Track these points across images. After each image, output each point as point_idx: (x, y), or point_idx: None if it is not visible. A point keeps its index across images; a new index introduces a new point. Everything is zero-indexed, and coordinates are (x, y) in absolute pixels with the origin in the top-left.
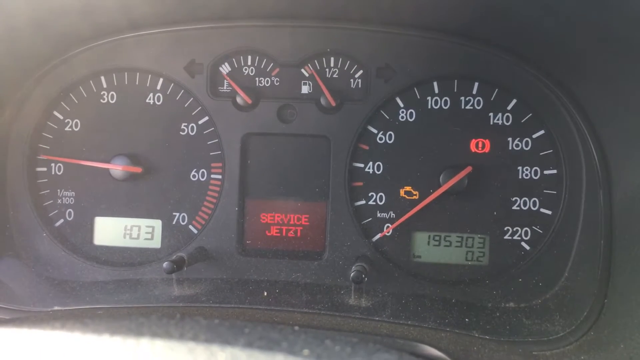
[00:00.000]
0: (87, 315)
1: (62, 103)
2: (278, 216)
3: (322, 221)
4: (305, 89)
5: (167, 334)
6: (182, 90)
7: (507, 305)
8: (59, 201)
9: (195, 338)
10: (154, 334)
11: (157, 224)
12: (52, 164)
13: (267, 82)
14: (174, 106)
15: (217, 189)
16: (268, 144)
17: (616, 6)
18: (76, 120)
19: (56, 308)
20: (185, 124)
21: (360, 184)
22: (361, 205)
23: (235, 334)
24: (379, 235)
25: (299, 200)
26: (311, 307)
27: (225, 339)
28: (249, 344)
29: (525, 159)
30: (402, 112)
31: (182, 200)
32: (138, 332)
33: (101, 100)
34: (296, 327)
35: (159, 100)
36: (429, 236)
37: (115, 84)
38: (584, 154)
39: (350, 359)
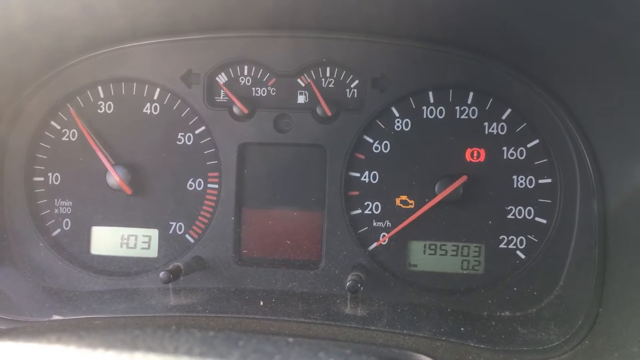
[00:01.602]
0: (83, 327)
1: (59, 113)
2: (274, 225)
3: (318, 230)
4: (301, 99)
5: (161, 347)
6: (179, 100)
7: (503, 314)
8: (56, 211)
9: (189, 352)
10: (149, 348)
11: (154, 233)
12: (49, 174)
13: (264, 92)
14: (170, 116)
15: (214, 198)
16: (264, 154)
17: (613, 13)
18: (73, 130)
19: (55, 318)
20: (182, 133)
21: (356, 193)
22: (357, 214)
23: (229, 347)
24: (374, 245)
25: (295, 210)
26: (307, 316)
27: (219, 352)
28: (243, 357)
29: (520, 168)
30: (398, 121)
31: (178, 209)
32: (133, 345)
33: (98, 110)
34: (290, 339)
35: (155, 110)
36: (425, 245)
37: (113, 94)
38: (578, 163)
39: None
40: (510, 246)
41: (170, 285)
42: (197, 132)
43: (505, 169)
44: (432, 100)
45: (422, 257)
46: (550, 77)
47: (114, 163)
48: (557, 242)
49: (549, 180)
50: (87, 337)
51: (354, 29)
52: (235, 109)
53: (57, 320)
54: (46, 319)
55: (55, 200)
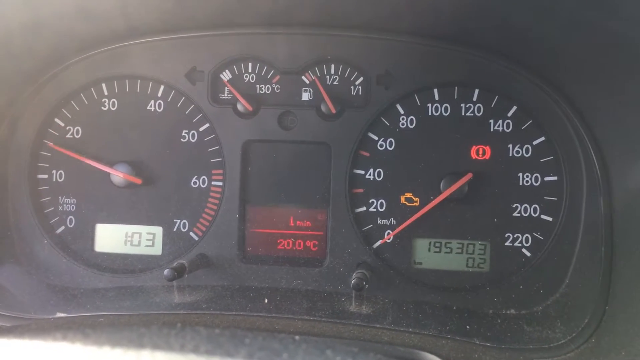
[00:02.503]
0: (88, 325)
1: (63, 110)
2: (279, 223)
3: (323, 228)
4: (305, 96)
5: (167, 345)
6: (183, 98)
7: (508, 312)
8: (60, 208)
9: (196, 349)
10: (155, 346)
11: (158, 230)
12: (54, 171)
13: (268, 89)
14: (175, 113)
15: (218, 195)
16: (269, 151)
17: (614, 8)
18: (77, 127)
19: (59, 315)
20: (186, 131)
21: (361, 190)
22: (362, 211)
23: (236, 344)
24: (379, 242)
25: (300, 207)
26: (312, 314)
27: (226, 350)
28: (250, 355)
29: (525, 166)
30: (403, 118)
31: (183, 207)
32: (139, 343)
33: (102, 108)
34: (297, 337)
35: (160, 108)
36: (430, 243)
37: (117, 91)
38: (584, 161)
39: None
40: (516, 244)
41: (174, 282)
42: (201, 129)
43: (511, 167)
44: (437, 98)
45: (427, 254)
46: (555, 74)
47: (111, 164)
48: (563, 240)
49: (555, 178)
50: (92, 335)
51: (359, 26)
52: (239, 106)
53: (62, 317)
54: (50, 317)
55: (60, 197)
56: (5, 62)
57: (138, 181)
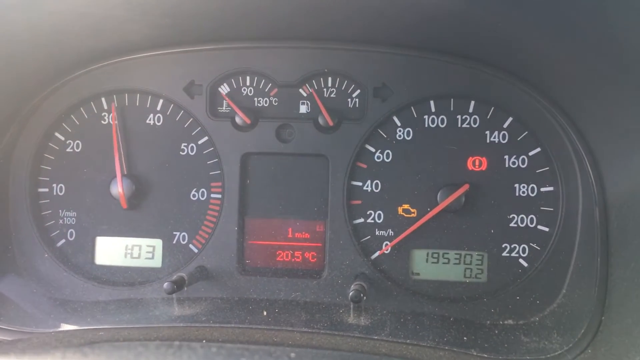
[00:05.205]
0: (87, 343)
1: (63, 124)
2: (277, 235)
3: (321, 240)
4: (303, 109)
5: None
6: (182, 111)
7: (505, 322)
8: (61, 221)
9: None
10: None
11: (158, 243)
12: (54, 185)
13: (266, 102)
14: (174, 127)
15: (217, 208)
16: (267, 164)
17: (609, 22)
18: (77, 141)
19: (60, 329)
20: (185, 144)
21: (359, 202)
22: (360, 223)
23: None
24: (377, 253)
25: (298, 219)
26: (310, 326)
27: None
28: None
29: (521, 177)
30: (400, 130)
31: (182, 219)
32: None
33: (102, 122)
34: (292, 354)
35: (159, 121)
36: (428, 254)
37: (116, 105)
38: (579, 171)
39: None
40: (513, 254)
41: (174, 295)
42: (200, 142)
43: (507, 178)
44: (433, 109)
45: (425, 265)
46: (550, 85)
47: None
48: (560, 250)
49: (551, 189)
50: (91, 355)
51: (355, 38)
52: (237, 119)
53: (62, 331)
54: (51, 330)
55: (60, 211)
56: (6, 76)
57: (124, 205)
